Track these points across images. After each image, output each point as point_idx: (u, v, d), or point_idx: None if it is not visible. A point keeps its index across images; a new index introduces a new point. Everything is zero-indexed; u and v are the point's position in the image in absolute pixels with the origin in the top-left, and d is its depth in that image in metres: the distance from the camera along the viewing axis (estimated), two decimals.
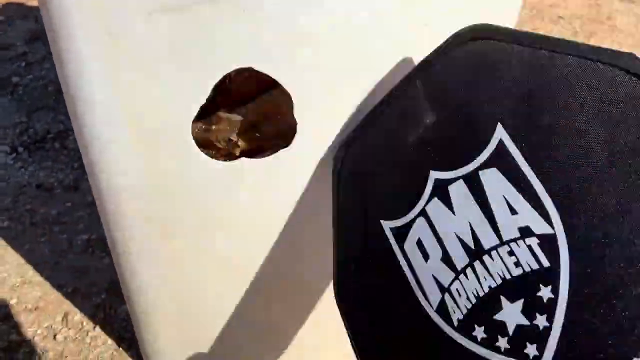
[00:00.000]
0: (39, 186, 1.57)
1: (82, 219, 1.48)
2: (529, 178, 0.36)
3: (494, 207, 0.38)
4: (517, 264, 0.36)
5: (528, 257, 0.35)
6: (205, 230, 0.81)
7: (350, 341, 0.54)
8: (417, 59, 0.67)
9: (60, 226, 1.46)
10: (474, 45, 0.45)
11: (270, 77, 0.67)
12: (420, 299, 0.43)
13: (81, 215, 1.49)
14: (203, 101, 0.66)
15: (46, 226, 1.46)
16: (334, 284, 0.58)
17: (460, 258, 0.39)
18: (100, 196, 0.79)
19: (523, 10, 2.53)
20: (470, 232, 0.39)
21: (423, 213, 0.43)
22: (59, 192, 1.56)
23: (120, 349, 1.19)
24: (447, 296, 0.39)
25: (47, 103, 1.88)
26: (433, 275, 0.41)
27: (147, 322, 1.00)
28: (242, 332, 1.01)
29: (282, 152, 0.73)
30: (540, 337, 0.33)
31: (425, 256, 0.42)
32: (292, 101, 0.69)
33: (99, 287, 1.30)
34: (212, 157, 0.74)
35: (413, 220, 0.44)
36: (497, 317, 0.36)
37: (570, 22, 2.49)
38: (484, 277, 0.37)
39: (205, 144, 0.77)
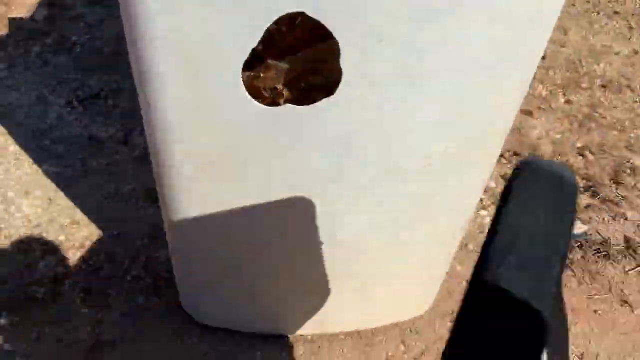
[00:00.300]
0: (91, 138, 1.66)
1: (130, 171, 1.55)
2: None
3: None
4: None
5: None
6: (244, 170, 0.85)
7: None
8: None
9: (108, 176, 1.54)
10: None
11: (319, 31, 0.70)
12: None
13: (129, 168, 1.56)
14: (255, 43, 0.70)
15: (96, 175, 1.54)
16: None
17: None
18: (152, 132, 0.84)
19: (579, 4, 2.48)
20: None
21: None
22: (110, 145, 1.64)
23: (160, 286, 1.26)
24: None
25: (103, 63, 1.96)
26: None
27: (185, 261, 1.06)
28: (277, 279, 1.05)
29: (325, 102, 0.77)
30: None
31: None
32: (339, 52, 0.72)
33: (141, 233, 1.38)
34: None
35: None
36: None
37: (626, 19, 2.42)
38: None
39: (253, 93, 0.81)
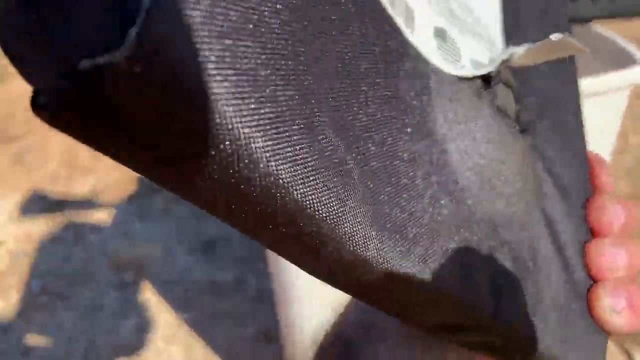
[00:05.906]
0: (212, 283, 1.99)
1: (248, 313, 1.85)
2: None
3: None
4: None
5: None
6: None
7: None
8: None
9: (230, 319, 1.84)
10: None
11: None
12: None
13: (247, 311, 1.87)
14: None
15: (221, 318, 1.85)
16: None
17: None
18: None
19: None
20: None
21: None
22: (229, 288, 1.96)
23: None
24: None
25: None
26: None
27: None
28: None
29: None
30: None
31: None
32: None
33: None
34: None
35: None
36: None
37: None
38: None
39: None
